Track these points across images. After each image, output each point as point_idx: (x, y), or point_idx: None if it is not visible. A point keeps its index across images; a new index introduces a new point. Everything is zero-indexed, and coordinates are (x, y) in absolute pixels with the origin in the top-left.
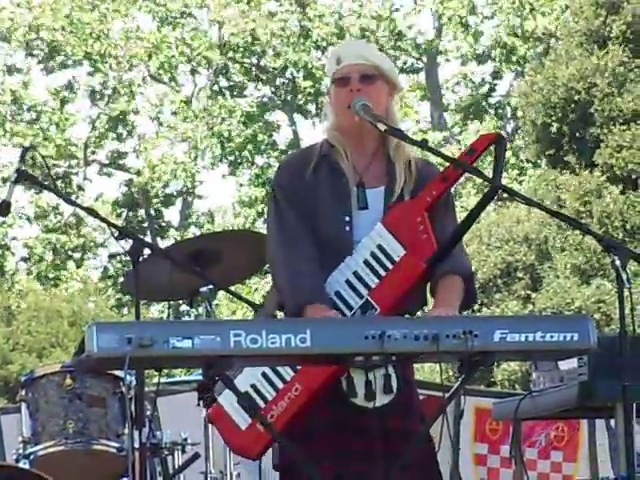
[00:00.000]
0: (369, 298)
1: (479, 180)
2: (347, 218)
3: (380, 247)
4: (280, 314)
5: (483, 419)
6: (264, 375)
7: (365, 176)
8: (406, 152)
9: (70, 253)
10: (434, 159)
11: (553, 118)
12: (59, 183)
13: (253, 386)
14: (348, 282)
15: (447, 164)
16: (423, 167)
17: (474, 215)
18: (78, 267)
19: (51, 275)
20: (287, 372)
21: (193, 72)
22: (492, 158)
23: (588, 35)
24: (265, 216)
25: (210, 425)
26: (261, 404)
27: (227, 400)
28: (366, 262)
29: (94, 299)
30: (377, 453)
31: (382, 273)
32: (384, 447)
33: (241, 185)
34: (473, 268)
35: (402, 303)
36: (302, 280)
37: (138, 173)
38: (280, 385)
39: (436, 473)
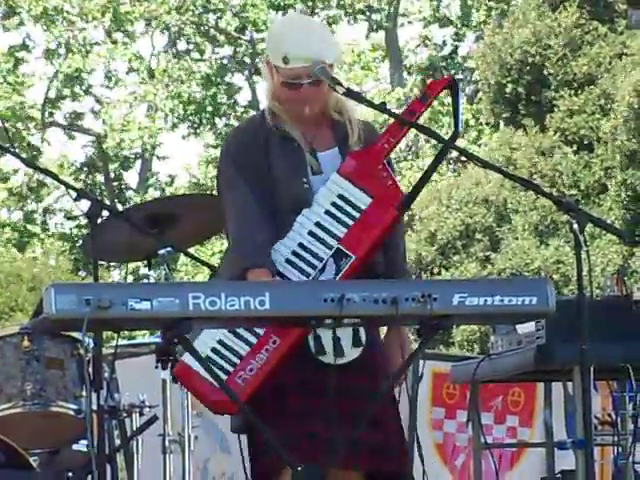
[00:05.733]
0: (341, 247)
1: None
2: (304, 179)
3: (342, 197)
4: None
5: (440, 383)
6: (233, 331)
7: (314, 141)
8: (350, 112)
9: (34, 216)
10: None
11: (508, 79)
12: (17, 147)
13: (221, 342)
14: (312, 233)
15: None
16: (365, 126)
17: (434, 165)
18: (44, 230)
19: (16, 239)
20: None
21: (148, 25)
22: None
23: None
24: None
25: (168, 388)
26: (234, 359)
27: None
28: (328, 212)
29: (53, 262)
30: (344, 412)
31: (349, 222)
32: (351, 406)
33: (209, 146)
34: (432, 229)
35: (375, 252)
36: (246, 247)
37: (98, 137)
38: (253, 339)
39: (400, 431)
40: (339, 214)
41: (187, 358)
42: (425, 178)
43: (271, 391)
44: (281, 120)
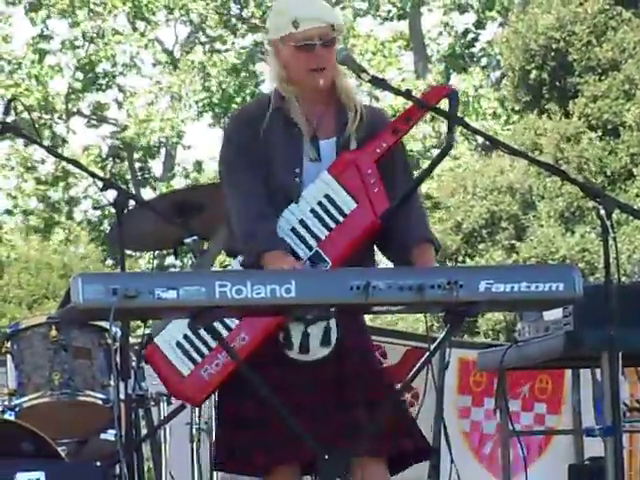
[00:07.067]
0: (319, 250)
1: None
2: (297, 170)
3: (328, 197)
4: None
5: (467, 371)
6: None
7: (319, 127)
8: (355, 98)
9: (57, 205)
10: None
11: (533, 65)
12: (43, 137)
13: (187, 334)
14: (294, 230)
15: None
16: (373, 113)
17: (429, 170)
18: (68, 219)
19: (42, 227)
20: (231, 320)
21: (170, 13)
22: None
23: None
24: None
25: None
26: (203, 350)
27: (166, 344)
28: (313, 211)
29: (83, 251)
30: (331, 403)
31: (331, 225)
32: (342, 393)
33: None
34: (458, 218)
35: (352, 259)
36: (258, 228)
37: (125, 128)
38: (225, 332)
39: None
40: (323, 215)
41: (160, 342)
42: (417, 182)
43: (245, 387)
44: (287, 103)
